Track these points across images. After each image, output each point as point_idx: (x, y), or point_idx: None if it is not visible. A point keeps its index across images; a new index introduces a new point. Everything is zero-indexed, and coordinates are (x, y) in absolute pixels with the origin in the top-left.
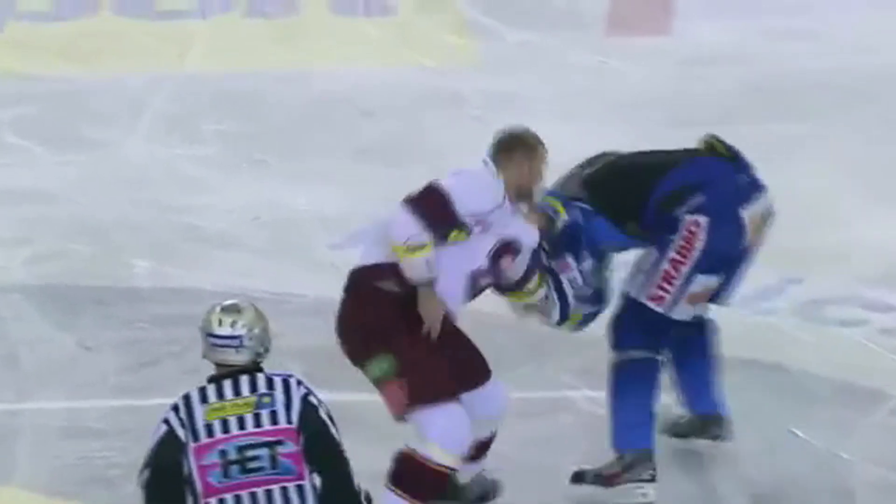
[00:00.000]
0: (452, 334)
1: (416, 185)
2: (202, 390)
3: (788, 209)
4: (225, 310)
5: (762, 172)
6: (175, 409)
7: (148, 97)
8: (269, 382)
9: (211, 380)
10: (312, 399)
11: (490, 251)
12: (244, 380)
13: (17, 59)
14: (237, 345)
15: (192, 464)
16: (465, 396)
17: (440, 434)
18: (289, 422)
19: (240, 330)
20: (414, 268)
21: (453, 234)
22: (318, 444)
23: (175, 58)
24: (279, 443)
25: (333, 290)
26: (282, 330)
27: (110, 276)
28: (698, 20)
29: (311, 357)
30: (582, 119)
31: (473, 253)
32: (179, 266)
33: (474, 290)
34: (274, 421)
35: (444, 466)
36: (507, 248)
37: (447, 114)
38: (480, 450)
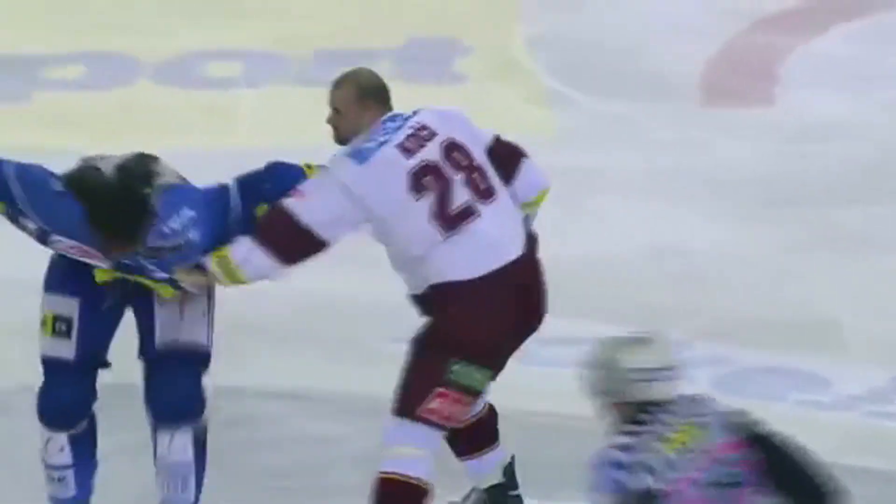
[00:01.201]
0: None
1: None
2: (633, 434)
3: None
4: (643, 342)
5: (868, 258)
6: (619, 464)
7: (190, 176)
8: (693, 401)
9: (636, 421)
10: (736, 409)
11: None
12: (674, 407)
13: (44, 134)
14: (672, 375)
15: None
16: None
17: None
18: (737, 435)
19: (668, 358)
20: None
21: None
22: (775, 452)
23: (221, 132)
24: (739, 456)
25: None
26: (341, 434)
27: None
28: (806, 89)
29: (374, 464)
30: (671, 198)
31: None
32: (223, 362)
33: None
34: (724, 436)
35: None
36: None
37: None
38: None
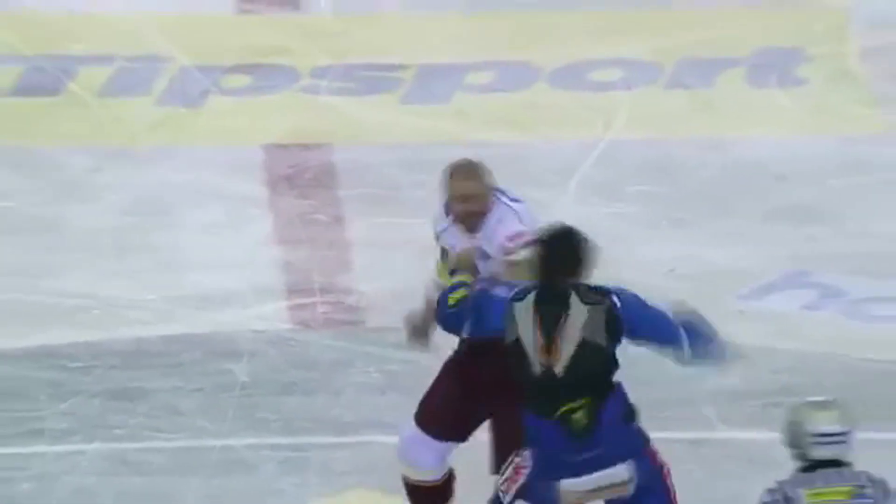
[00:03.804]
0: None
1: (822, 247)
2: (805, 476)
3: None
4: (824, 406)
5: None
6: (770, 491)
7: (577, 162)
8: (869, 477)
9: (807, 468)
10: None
11: None
12: (844, 470)
13: (463, 128)
14: (845, 440)
15: None
16: None
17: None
18: None
19: (846, 425)
20: None
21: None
22: None
23: (602, 126)
24: None
25: (741, 337)
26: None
27: None
28: None
29: (724, 400)
30: None
31: None
32: None
33: None
34: None
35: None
36: None
37: (856, 180)
38: None
